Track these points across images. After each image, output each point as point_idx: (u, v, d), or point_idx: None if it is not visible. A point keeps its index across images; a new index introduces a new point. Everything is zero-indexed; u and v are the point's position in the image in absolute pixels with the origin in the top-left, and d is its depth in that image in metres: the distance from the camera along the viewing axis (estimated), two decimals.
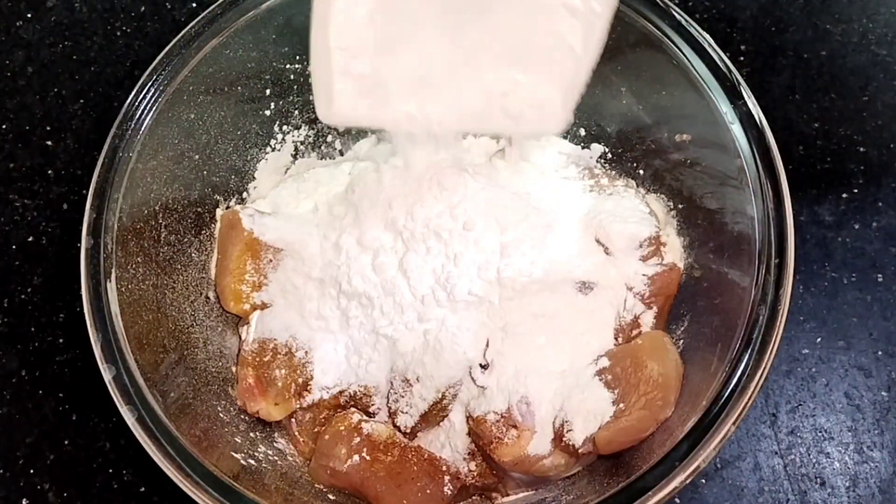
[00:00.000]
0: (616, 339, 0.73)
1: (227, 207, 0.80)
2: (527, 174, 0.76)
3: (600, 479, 0.66)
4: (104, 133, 0.69)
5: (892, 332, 0.79)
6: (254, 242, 0.75)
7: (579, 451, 0.67)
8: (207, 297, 0.76)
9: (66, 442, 0.77)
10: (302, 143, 0.83)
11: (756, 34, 0.90)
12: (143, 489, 0.76)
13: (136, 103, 0.69)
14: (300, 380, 0.72)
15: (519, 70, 0.61)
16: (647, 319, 0.73)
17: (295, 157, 0.83)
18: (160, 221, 0.72)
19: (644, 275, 0.74)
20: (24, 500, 0.75)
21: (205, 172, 0.77)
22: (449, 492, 0.68)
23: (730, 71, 0.68)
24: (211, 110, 0.75)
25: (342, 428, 0.70)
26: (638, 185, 0.79)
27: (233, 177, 0.80)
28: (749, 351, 0.61)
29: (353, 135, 0.81)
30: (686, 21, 0.69)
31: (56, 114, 0.89)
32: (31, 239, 0.84)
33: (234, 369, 0.74)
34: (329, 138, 0.84)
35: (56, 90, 0.90)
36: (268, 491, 0.65)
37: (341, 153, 0.84)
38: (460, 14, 0.59)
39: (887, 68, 0.88)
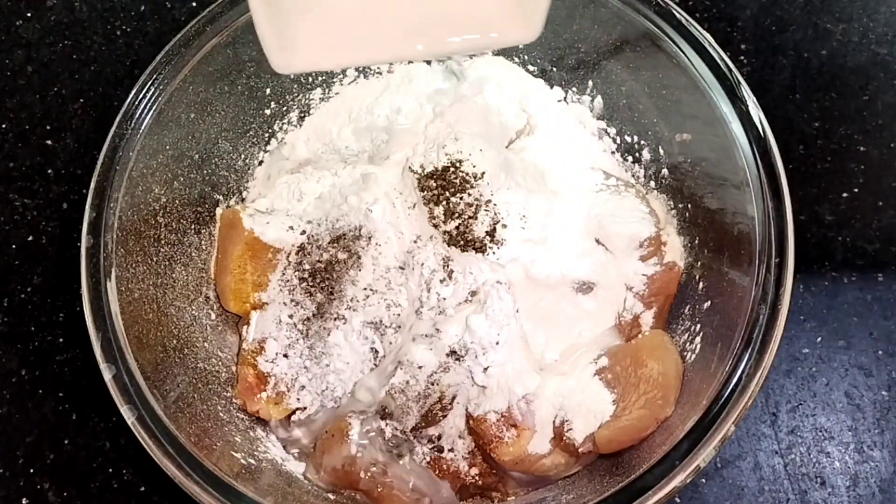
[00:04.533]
0: (616, 338, 0.73)
1: (227, 206, 0.80)
2: (540, 169, 0.76)
3: (600, 478, 0.66)
4: (104, 132, 0.69)
5: (893, 331, 0.79)
6: (254, 242, 0.75)
7: (579, 450, 0.67)
8: (207, 297, 0.76)
9: (65, 441, 0.77)
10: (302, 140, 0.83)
11: (756, 33, 0.90)
12: (143, 489, 0.76)
13: (136, 102, 0.69)
14: (300, 378, 0.72)
15: None
16: (647, 319, 0.73)
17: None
18: (160, 221, 0.72)
19: (644, 275, 0.74)
20: (24, 499, 0.75)
21: (205, 171, 0.77)
22: (449, 491, 0.68)
23: (730, 70, 0.68)
24: (211, 109, 0.75)
25: (341, 427, 0.70)
26: (638, 185, 0.79)
27: (233, 176, 0.80)
28: (749, 350, 0.61)
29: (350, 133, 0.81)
30: (686, 20, 0.69)
31: (56, 113, 0.89)
32: (30, 238, 0.84)
33: (234, 368, 0.74)
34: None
35: (56, 89, 0.90)
36: (268, 490, 0.65)
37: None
38: None
39: (888, 67, 0.88)
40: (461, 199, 0.70)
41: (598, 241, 0.75)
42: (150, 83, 0.70)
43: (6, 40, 0.92)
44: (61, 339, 0.80)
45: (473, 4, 0.56)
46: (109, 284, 0.65)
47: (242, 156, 0.81)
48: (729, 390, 0.60)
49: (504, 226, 0.72)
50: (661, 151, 0.77)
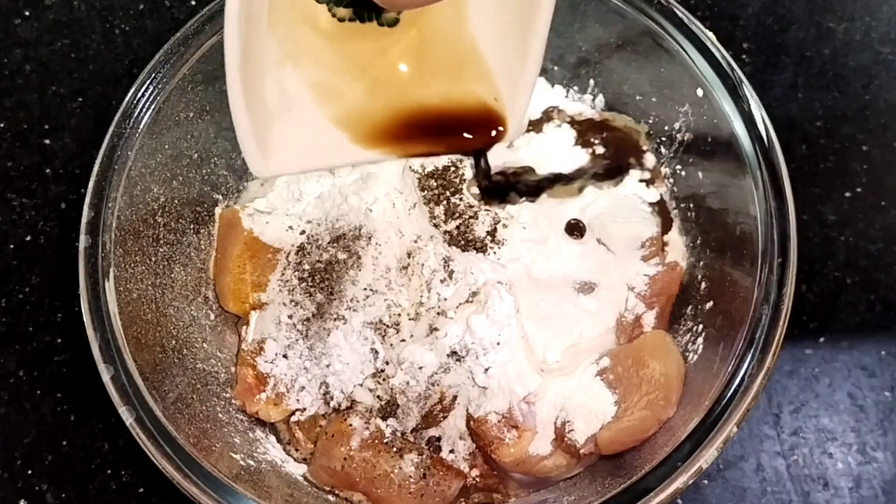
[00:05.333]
0: (617, 339, 0.72)
1: (227, 206, 0.79)
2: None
3: (602, 479, 0.66)
4: (103, 132, 0.68)
5: None
6: (253, 242, 0.75)
7: (581, 451, 0.66)
8: (206, 297, 0.76)
9: (64, 442, 0.77)
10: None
11: (758, 32, 0.89)
12: (141, 490, 0.75)
13: (135, 101, 0.69)
14: (300, 379, 0.72)
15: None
16: (649, 319, 0.73)
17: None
18: (159, 220, 0.72)
19: (645, 275, 0.73)
20: (22, 500, 0.75)
21: (204, 171, 0.77)
22: (449, 492, 0.68)
23: (732, 69, 0.67)
24: (210, 108, 0.75)
25: (342, 428, 0.69)
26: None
27: (232, 175, 0.80)
28: (752, 351, 0.61)
29: None
30: (688, 19, 0.69)
31: (54, 112, 0.89)
32: (29, 238, 0.84)
33: (233, 369, 0.74)
34: None
35: (54, 88, 0.89)
36: (267, 491, 0.64)
37: None
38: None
39: (890, 66, 0.88)
40: (462, 198, 0.70)
41: (599, 241, 0.74)
42: (148, 82, 0.70)
43: (4, 39, 0.92)
44: (59, 340, 0.80)
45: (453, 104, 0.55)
46: (108, 284, 0.65)
47: (242, 155, 0.80)
48: (731, 391, 0.60)
49: (505, 226, 0.71)
50: (663, 150, 0.77)
